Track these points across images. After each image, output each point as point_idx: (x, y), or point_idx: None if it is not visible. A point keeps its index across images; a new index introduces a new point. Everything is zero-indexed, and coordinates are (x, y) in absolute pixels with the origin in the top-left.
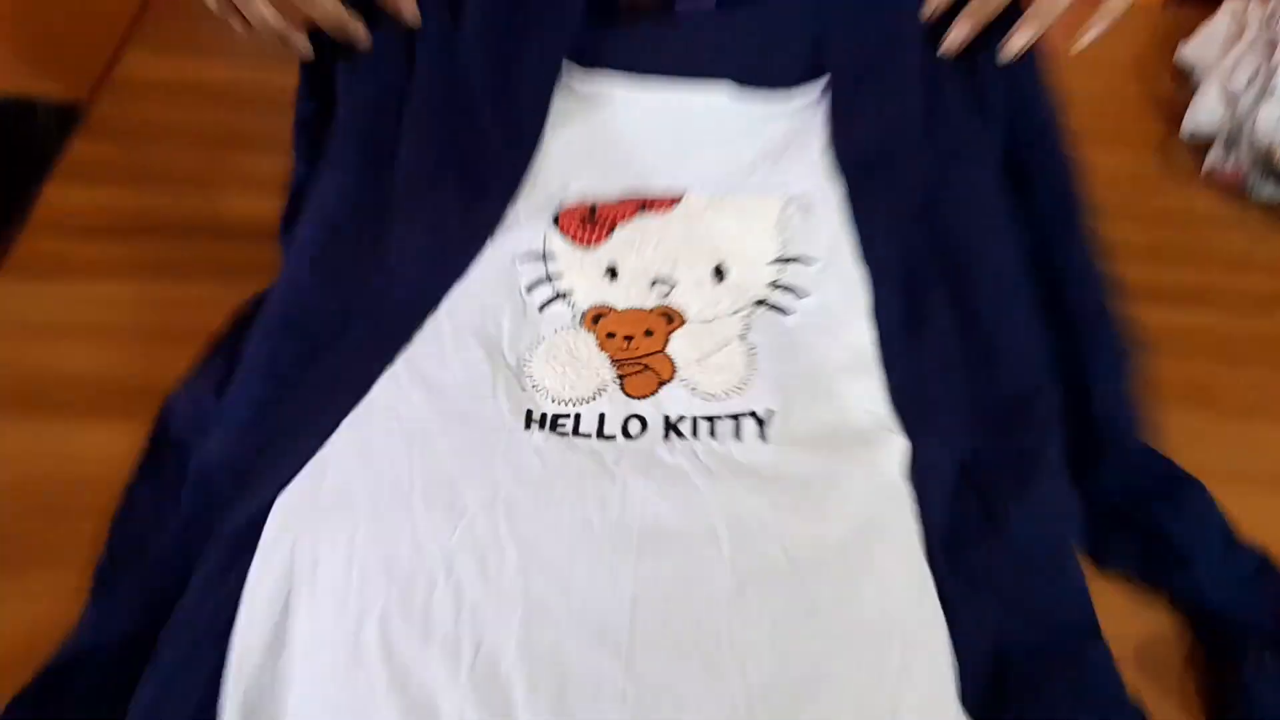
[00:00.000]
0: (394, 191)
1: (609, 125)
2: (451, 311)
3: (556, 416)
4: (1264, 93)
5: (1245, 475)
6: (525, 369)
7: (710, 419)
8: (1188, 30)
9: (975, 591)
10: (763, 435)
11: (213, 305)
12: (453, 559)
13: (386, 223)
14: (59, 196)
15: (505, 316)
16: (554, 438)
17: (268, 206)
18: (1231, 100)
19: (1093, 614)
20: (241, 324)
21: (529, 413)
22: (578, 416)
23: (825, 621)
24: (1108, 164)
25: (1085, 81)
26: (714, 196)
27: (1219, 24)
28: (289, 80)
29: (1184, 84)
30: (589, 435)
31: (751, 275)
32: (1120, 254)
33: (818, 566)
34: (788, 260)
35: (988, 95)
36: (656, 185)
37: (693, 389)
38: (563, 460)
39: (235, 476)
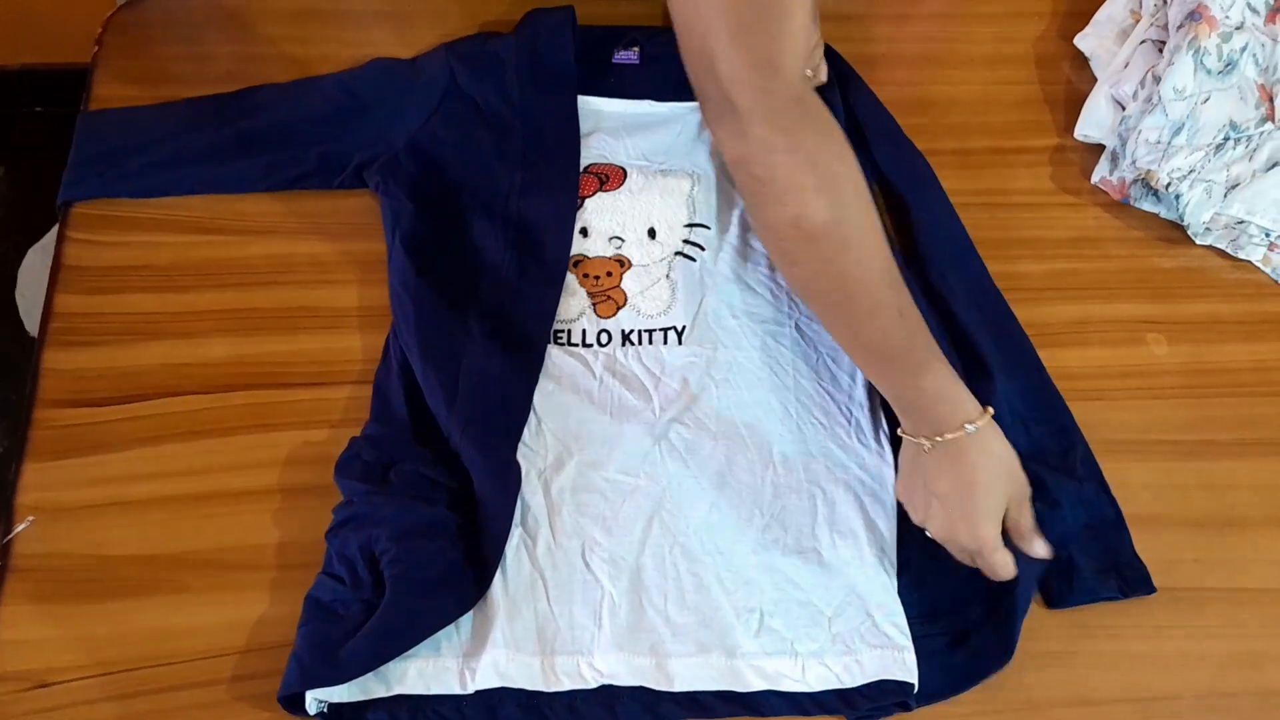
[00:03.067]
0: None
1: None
2: None
3: (556, 331)
4: (1148, 103)
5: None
6: None
7: (649, 331)
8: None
9: None
10: (680, 341)
11: (217, 465)
12: (533, 406)
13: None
14: (58, 361)
15: None
16: (557, 348)
17: (249, 350)
18: (1120, 104)
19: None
20: None
21: None
22: (569, 332)
23: (724, 424)
24: (1001, 185)
25: (983, 79)
26: (647, 178)
27: (1116, 5)
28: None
29: (1082, 69)
30: (576, 345)
31: (672, 235)
32: (1012, 293)
33: (707, 396)
34: (694, 225)
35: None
36: (608, 157)
37: (638, 311)
38: (565, 363)
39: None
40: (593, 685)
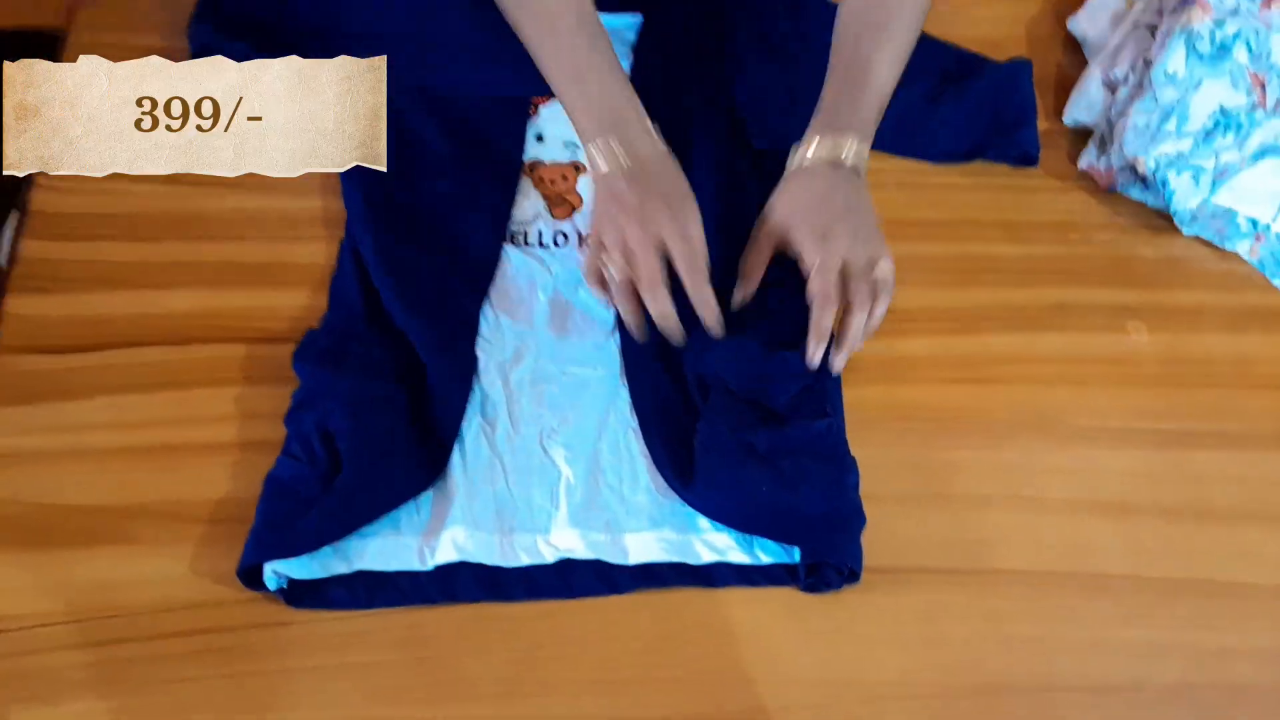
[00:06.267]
0: None
1: None
2: None
3: (513, 233)
4: (1139, 88)
5: (1083, 502)
6: None
7: None
8: None
9: None
10: None
11: (177, 418)
12: (490, 300)
13: None
14: (21, 307)
15: None
16: (513, 247)
17: (216, 304)
18: (1111, 88)
19: None
20: None
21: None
22: (525, 233)
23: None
24: (986, 167)
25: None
26: None
27: None
28: None
29: (1075, 54)
30: (533, 245)
31: None
32: (988, 274)
33: None
34: None
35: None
36: None
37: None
38: (522, 261)
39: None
40: (550, 561)
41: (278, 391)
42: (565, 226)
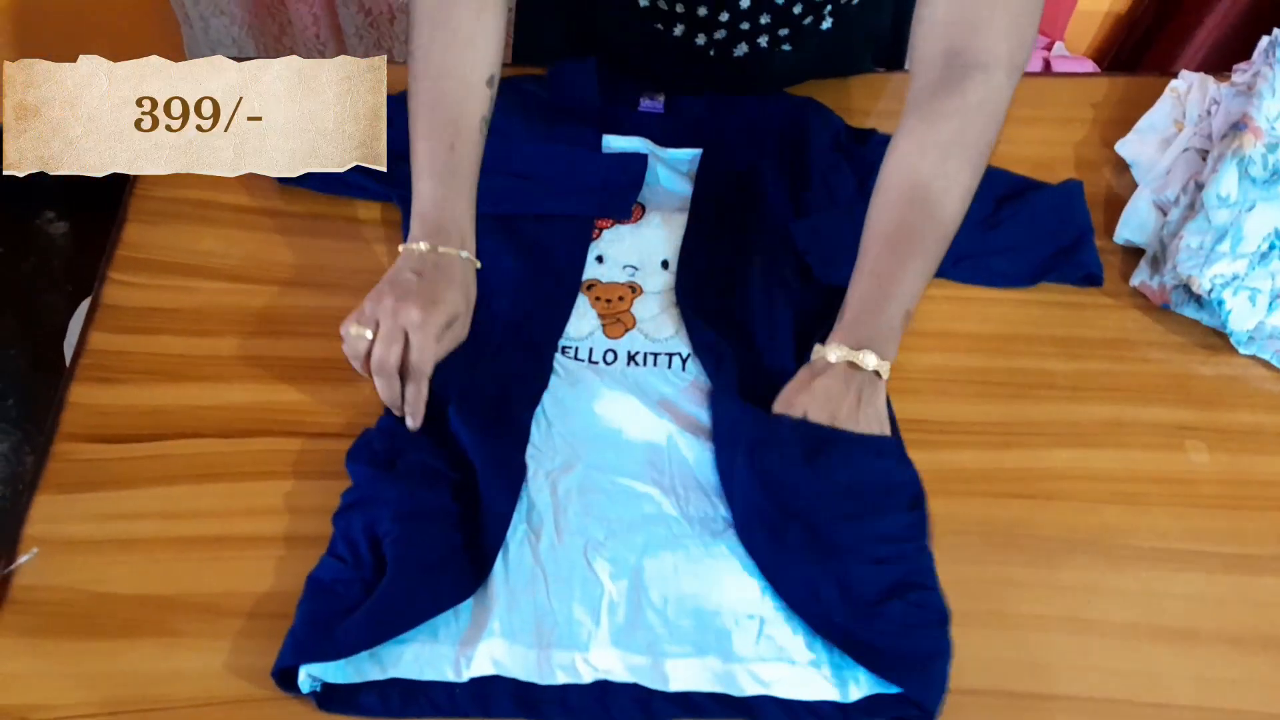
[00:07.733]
0: None
1: None
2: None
3: (565, 347)
4: (1191, 209)
5: (1145, 627)
6: None
7: (655, 355)
8: (1129, 103)
9: None
10: (684, 368)
11: (227, 510)
12: (543, 409)
13: None
14: (83, 396)
15: None
16: (566, 360)
17: (272, 398)
18: (1162, 210)
19: None
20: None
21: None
22: (576, 349)
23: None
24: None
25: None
26: (664, 215)
27: (1158, 114)
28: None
29: (1122, 175)
30: (583, 360)
31: None
32: (1041, 389)
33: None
34: None
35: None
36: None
37: (645, 335)
38: (575, 372)
39: None
40: (588, 681)
41: (328, 486)
42: (616, 345)
